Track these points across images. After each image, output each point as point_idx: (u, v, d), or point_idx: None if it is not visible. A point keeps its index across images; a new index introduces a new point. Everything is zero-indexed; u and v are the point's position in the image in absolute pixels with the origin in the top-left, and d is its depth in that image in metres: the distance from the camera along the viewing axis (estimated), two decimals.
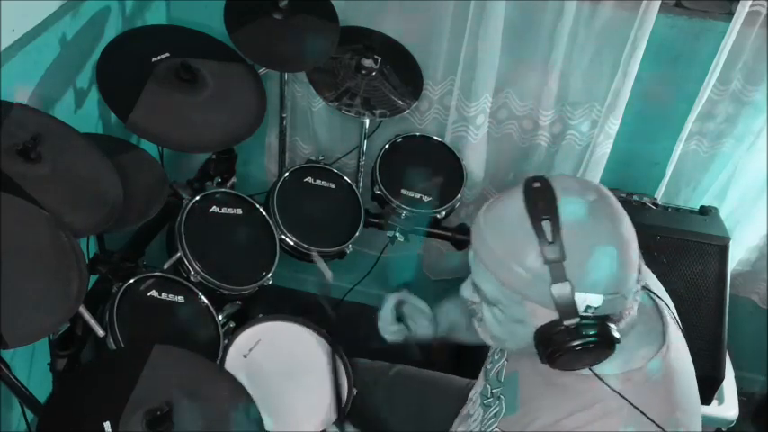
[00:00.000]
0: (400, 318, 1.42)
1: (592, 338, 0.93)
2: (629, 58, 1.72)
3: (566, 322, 0.92)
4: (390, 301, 1.41)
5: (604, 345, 0.94)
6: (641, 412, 0.95)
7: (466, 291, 1.06)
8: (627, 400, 0.96)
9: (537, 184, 0.95)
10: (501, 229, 0.95)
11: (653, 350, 1.02)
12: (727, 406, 1.88)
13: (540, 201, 0.93)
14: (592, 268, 0.91)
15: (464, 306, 1.39)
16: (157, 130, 1.40)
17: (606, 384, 0.97)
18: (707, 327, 1.75)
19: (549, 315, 0.94)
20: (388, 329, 1.41)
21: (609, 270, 0.92)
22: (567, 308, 0.92)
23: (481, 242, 0.97)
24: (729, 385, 1.90)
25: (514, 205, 0.94)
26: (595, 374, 0.98)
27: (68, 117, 1.51)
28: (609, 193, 0.97)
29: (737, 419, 1.89)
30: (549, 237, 0.90)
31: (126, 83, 1.41)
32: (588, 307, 0.92)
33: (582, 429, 0.99)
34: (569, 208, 0.92)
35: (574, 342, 0.93)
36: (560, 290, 0.91)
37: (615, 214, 0.95)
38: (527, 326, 0.97)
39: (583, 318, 0.92)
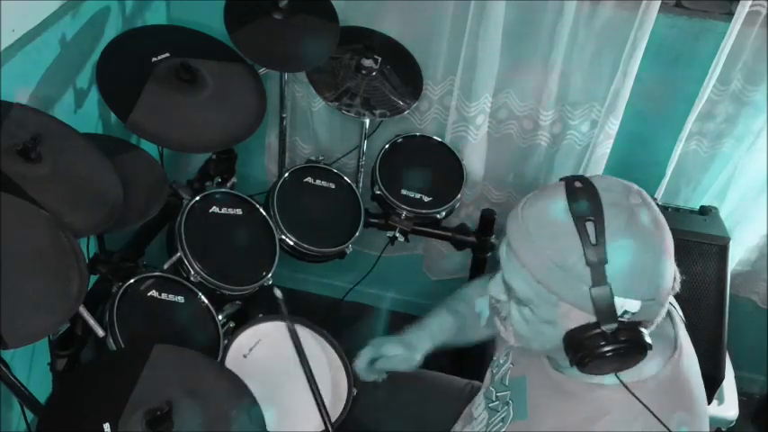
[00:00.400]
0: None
1: (625, 344, 0.92)
2: (629, 58, 1.72)
3: (603, 326, 0.91)
4: (363, 360, 1.38)
5: (637, 351, 0.93)
6: (659, 420, 0.94)
7: (494, 288, 1.03)
8: (647, 408, 0.95)
9: (578, 184, 0.93)
10: (542, 227, 0.93)
11: (666, 356, 1.01)
12: (727, 406, 1.88)
13: (584, 201, 0.91)
14: (633, 274, 0.90)
15: (452, 315, 1.39)
16: (157, 130, 1.40)
17: (630, 392, 0.96)
18: (707, 327, 1.75)
19: (584, 318, 0.92)
20: (367, 379, 1.40)
21: (649, 276, 0.91)
22: (606, 312, 0.90)
23: (519, 239, 0.95)
24: (729, 385, 1.90)
25: (557, 204, 0.93)
26: (621, 382, 0.97)
27: (68, 117, 1.51)
28: (649, 198, 0.96)
29: (737, 419, 1.89)
30: (593, 239, 0.89)
31: (126, 83, 1.41)
32: (626, 312, 0.91)
33: None
34: (614, 211, 0.91)
35: (608, 347, 0.91)
36: (600, 293, 0.89)
37: (658, 220, 0.94)
38: (557, 327, 0.96)
39: (621, 323, 0.91)
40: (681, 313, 1.12)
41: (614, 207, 0.91)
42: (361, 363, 1.38)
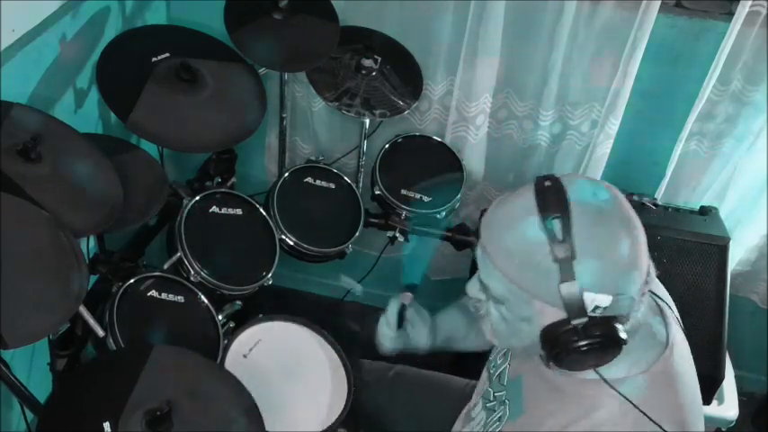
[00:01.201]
0: (401, 323, 1.40)
1: (599, 339, 0.92)
2: (629, 58, 1.72)
3: (573, 321, 0.91)
4: (395, 304, 1.38)
5: (611, 345, 0.94)
6: (649, 418, 0.94)
7: (472, 289, 1.05)
8: (634, 405, 0.95)
9: (548, 183, 0.94)
10: (511, 227, 0.94)
11: (657, 353, 1.01)
12: (727, 406, 1.87)
13: (552, 199, 0.92)
14: (601, 268, 0.91)
15: (463, 314, 1.40)
16: (157, 130, 1.40)
17: (613, 388, 0.96)
18: (707, 327, 1.75)
19: (557, 314, 0.93)
20: (388, 335, 1.38)
21: (618, 270, 0.92)
22: (576, 307, 0.91)
23: (490, 239, 0.96)
24: (729, 385, 1.90)
25: (525, 203, 0.94)
26: (603, 378, 0.97)
27: (68, 117, 1.51)
28: (620, 194, 0.97)
29: (737, 419, 1.89)
30: (560, 235, 0.89)
31: (126, 83, 1.41)
32: (597, 307, 0.91)
33: None
34: (581, 207, 0.91)
35: (581, 342, 0.92)
36: (569, 289, 0.90)
37: (626, 215, 0.94)
38: (533, 325, 0.97)
39: (591, 318, 0.92)
40: (676, 313, 1.12)
41: (581, 204, 0.92)
42: (391, 311, 1.37)
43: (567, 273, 0.89)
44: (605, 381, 0.97)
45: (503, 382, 1.19)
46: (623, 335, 0.93)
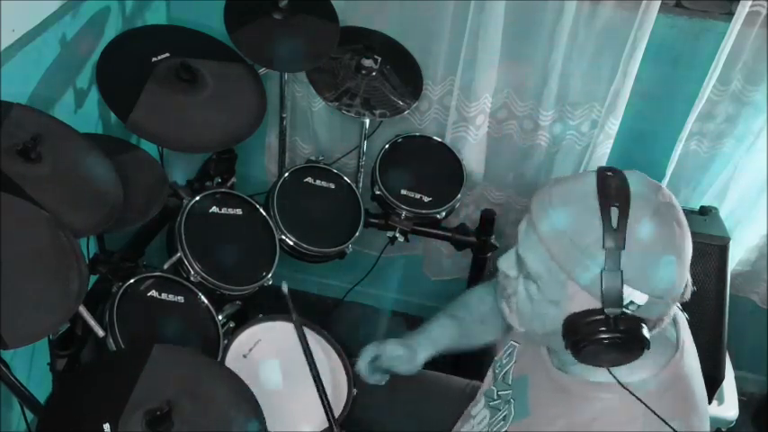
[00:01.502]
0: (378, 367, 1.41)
1: (624, 335, 0.91)
2: (629, 58, 1.72)
3: (607, 310, 0.90)
4: (364, 359, 1.39)
5: (633, 345, 0.93)
6: (662, 420, 0.94)
7: (505, 262, 1.03)
8: (647, 407, 0.94)
9: (610, 173, 0.94)
10: (567, 205, 0.93)
11: (667, 357, 1.01)
12: (727, 406, 1.88)
13: (614, 186, 0.91)
14: (647, 266, 0.90)
15: (456, 323, 1.40)
16: (157, 130, 1.40)
17: (627, 389, 0.96)
18: (707, 327, 1.75)
19: (588, 302, 0.92)
20: (369, 380, 1.41)
21: (662, 273, 0.91)
22: (612, 298, 0.89)
23: (543, 212, 0.95)
24: (729, 385, 1.90)
25: (586, 185, 0.93)
26: (617, 380, 0.96)
27: (68, 117, 1.51)
28: (677, 202, 0.97)
29: (737, 419, 1.89)
30: (615, 224, 0.89)
31: (126, 83, 1.41)
32: (631, 303, 0.90)
33: None
34: (640, 202, 0.91)
35: (606, 334, 0.91)
36: (611, 278, 0.89)
37: (681, 222, 0.94)
38: (561, 309, 0.95)
39: (624, 313, 0.91)
40: (686, 315, 1.12)
41: (641, 199, 0.91)
42: (362, 361, 1.38)
43: (612, 261, 0.88)
44: (618, 381, 0.96)
45: (507, 381, 1.19)
46: (648, 337, 0.92)
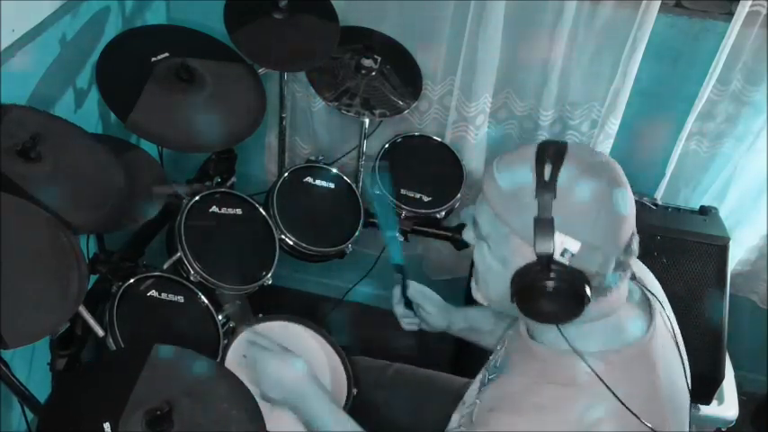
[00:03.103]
0: (410, 305, 1.49)
1: (562, 284, 0.95)
2: (629, 58, 1.72)
3: (538, 249, 0.94)
4: (397, 288, 1.51)
5: (571, 295, 0.96)
6: (619, 400, 0.96)
7: (467, 233, 1.10)
8: (599, 377, 0.97)
9: (552, 141, 1.01)
10: (508, 166, 1.01)
11: (635, 336, 1.03)
12: (727, 406, 1.88)
13: (552, 148, 0.98)
14: (578, 214, 0.94)
15: (494, 314, 1.44)
16: (157, 130, 1.40)
17: (579, 355, 0.99)
18: (707, 327, 1.75)
19: (529, 255, 0.96)
20: (400, 314, 1.51)
21: (593, 222, 0.94)
22: (544, 243, 0.94)
23: (490, 177, 1.02)
24: (729, 385, 1.90)
25: (527, 152, 0.99)
26: (571, 346, 1.00)
27: (68, 117, 1.49)
28: (619, 168, 1.00)
29: (737, 419, 1.89)
30: (547, 176, 0.95)
31: (126, 83, 1.41)
32: (566, 250, 0.94)
33: (547, 405, 1.00)
34: (575, 160, 0.96)
35: (541, 282, 0.95)
36: (542, 224, 0.94)
37: (617, 180, 0.98)
38: (507, 266, 1.00)
39: (558, 263, 0.95)
40: (669, 313, 1.13)
41: (575, 157, 0.97)
42: (396, 291, 1.51)
43: (544, 209, 0.94)
44: (566, 339, 1.00)
45: (496, 365, 1.20)
46: (588, 292, 0.96)
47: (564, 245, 0.94)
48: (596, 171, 0.97)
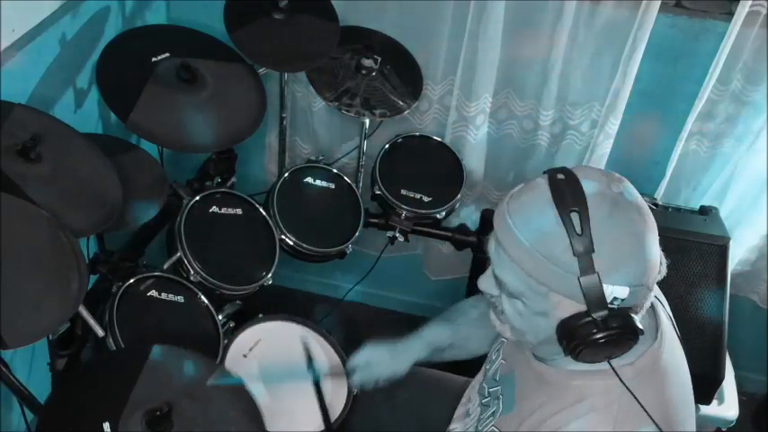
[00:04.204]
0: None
1: (618, 330, 0.92)
2: (629, 58, 1.72)
3: (594, 314, 0.91)
4: (353, 365, 1.39)
5: (628, 336, 0.94)
6: (640, 404, 0.95)
7: (485, 283, 1.05)
8: (630, 391, 0.95)
9: (561, 176, 0.94)
10: (528, 222, 0.94)
11: (644, 347, 1.02)
12: (727, 406, 1.87)
13: (568, 192, 0.92)
14: (620, 260, 0.91)
15: (449, 327, 1.40)
16: (157, 130, 1.40)
17: (615, 373, 0.97)
18: (707, 327, 1.75)
19: (575, 307, 0.93)
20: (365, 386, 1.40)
21: (635, 262, 0.92)
22: (596, 300, 0.91)
23: (507, 233, 0.95)
24: (729, 385, 1.90)
25: (541, 196, 0.94)
26: (612, 367, 0.97)
27: (68, 117, 1.51)
28: (631, 185, 0.97)
29: (737, 419, 1.89)
30: (578, 229, 0.90)
31: (126, 83, 1.41)
32: (615, 299, 0.92)
33: (566, 429, 0.99)
34: (597, 200, 0.92)
35: (600, 334, 0.92)
36: (589, 282, 0.90)
37: (640, 206, 0.95)
38: (550, 318, 0.96)
39: (611, 310, 0.92)
40: (669, 311, 1.12)
41: (597, 196, 0.92)
42: (351, 367, 1.39)
43: (587, 266, 0.90)
44: (612, 368, 0.97)
45: (495, 378, 1.20)
46: (640, 325, 0.94)
47: (613, 294, 0.91)
48: (621, 207, 0.93)
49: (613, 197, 0.93)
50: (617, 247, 0.91)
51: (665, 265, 0.97)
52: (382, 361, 1.37)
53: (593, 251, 0.89)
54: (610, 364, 0.97)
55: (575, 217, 0.90)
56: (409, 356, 1.38)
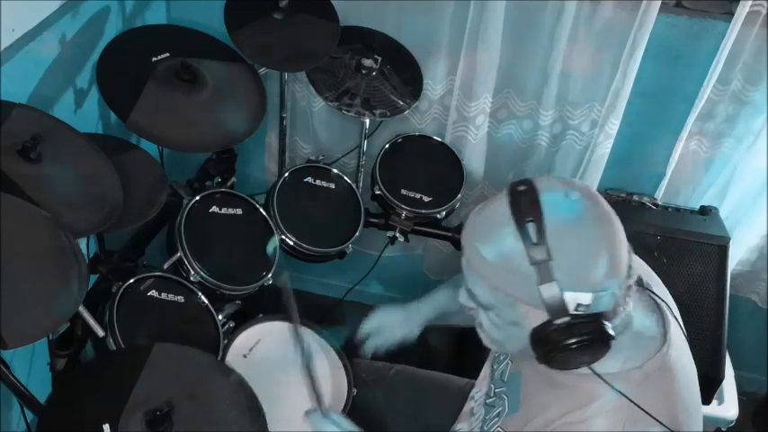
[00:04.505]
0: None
1: (585, 336, 0.93)
2: (629, 58, 1.72)
3: (556, 321, 0.93)
4: (367, 328, 1.45)
5: (599, 342, 0.94)
6: (644, 411, 0.95)
7: (462, 297, 1.08)
8: (628, 399, 0.96)
9: (521, 187, 0.95)
10: (488, 234, 0.96)
11: (653, 349, 1.02)
12: (727, 406, 1.88)
13: (524, 202, 0.93)
14: (578, 267, 0.92)
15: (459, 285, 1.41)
16: (157, 130, 1.40)
17: (607, 383, 0.97)
18: (707, 327, 1.76)
19: (542, 316, 0.94)
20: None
21: (596, 268, 0.92)
22: (557, 307, 0.92)
23: (471, 248, 0.98)
24: (729, 385, 1.90)
25: (500, 209, 0.95)
26: (595, 372, 0.98)
27: (68, 117, 1.51)
28: (594, 192, 0.98)
29: (737, 419, 1.89)
30: (534, 238, 0.91)
31: (126, 83, 1.41)
32: (579, 305, 0.92)
33: (576, 429, 0.99)
34: (552, 208, 0.93)
35: (568, 341, 0.93)
36: (549, 290, 0.91)
37: (600, 212, 0.95)
38: (522, 328, 0.98)
39: (575, 316, 0.93)
40: (677, 314, 1.12)
41: (553, 205, 0.93)
42: (364, 333, 1.43)
43: (544, 274, 0.91)
44: (597, 375, 0.97)
45: (503, 379, 1.20)
46: (611, 331, 0.94)
47: (576, 300, 0.92)
48: (579, 211, 0.93)
49: (570, 205, 0.94)
50: (575, 254, 0.92)
51: (634, 270, 0.98)
52: (394, 324, 1.41)
53: (551, 259, 0.90)
54: (593, 370, 0.97)
55: (531, 227, 0.91)
56: (419, 319, 1.42)
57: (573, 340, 0.93)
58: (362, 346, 1.44)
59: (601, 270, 0.92)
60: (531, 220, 0.92)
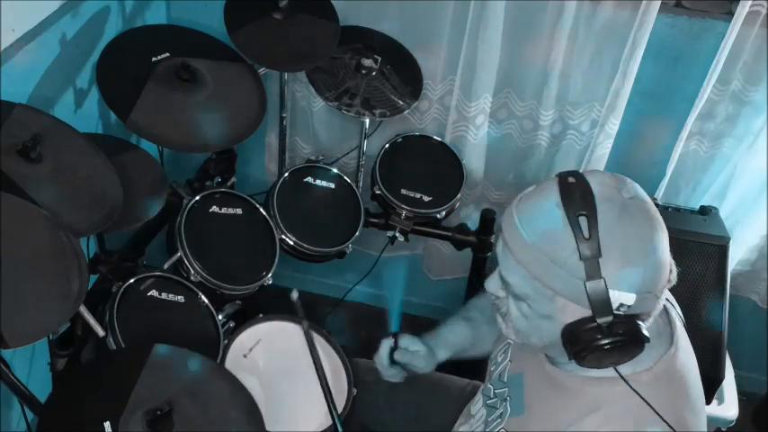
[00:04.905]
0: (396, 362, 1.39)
1: (623, 337, 0.92)
2: (629, 58, 1.72)
3: (599, 320, 0.91)
4: (384, 348, 1.37)
5: (634, 344, 0.93)
6: (657, 413, 0.94)
7: (492, 284, 1.04)
8: (645, 400, 0.95)
9: (572, 179, 0.93)
10: (535, 223, 0.94)
11: (661, 351, 1.01)
12: (727, 406, 1.88)
13: (577, 195, 0.91)
14: (627, 267, 0.90)
15: (468, 325, 1.39)
16: (157, 130, 1.40)
17: (628, 384, 0.96)
18: (707, 327, 1.75)
19: (580, 312, 0.93)
20: (386, 374, 1.39)
21: (643, 268, 0.91)
22: (601, 305, 0.90)
23: (514, 235, 0.95)
24: (729, 385, 1.90)
25: (550, 199, 0.93)
26: (618, 374, 0.97)
27: (68, 117, 1.51)
28: (642, 191, 0.96)
29: (737, 419, 1.89)
30: (586, 233, 0.89)
31: (126, 83, 1.41)
32: (621, 305, 0.91)
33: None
34: (606, 205, 0.91)
35: (605, 340, 0.92)
36: (595, 287, 0.89)
37: (650, 212, 0.94)
38: (555, 322, 0.96)
39: (615, 316, 0.91)
40: (680, 312, 1.12)
41: (607, 201, 0.91)
42: (383, 351, 1.36)
43: (593, 271, 0.89)
44: (622, 376, 0.96)
45: (503, 380, 1.19)
46: (646, 333, 0.93)
47: (619, 300, 0.90)
48: (631, 213, 0.92)
49: (623, 202, 0.92)
50: (625, 253, 0.90)
51: (675, 273, 0.96)
52: (421, 355, 1.36)
53: (601, 256, 0.89)
54: (618, 372, 0.96)
55: (583, 221, 0.90)
56: (439, 355, 1.38)
57: (609, 341, 0.91)
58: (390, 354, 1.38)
59: (648, 271, 0.91)
60: (584, 215, 0.90)
